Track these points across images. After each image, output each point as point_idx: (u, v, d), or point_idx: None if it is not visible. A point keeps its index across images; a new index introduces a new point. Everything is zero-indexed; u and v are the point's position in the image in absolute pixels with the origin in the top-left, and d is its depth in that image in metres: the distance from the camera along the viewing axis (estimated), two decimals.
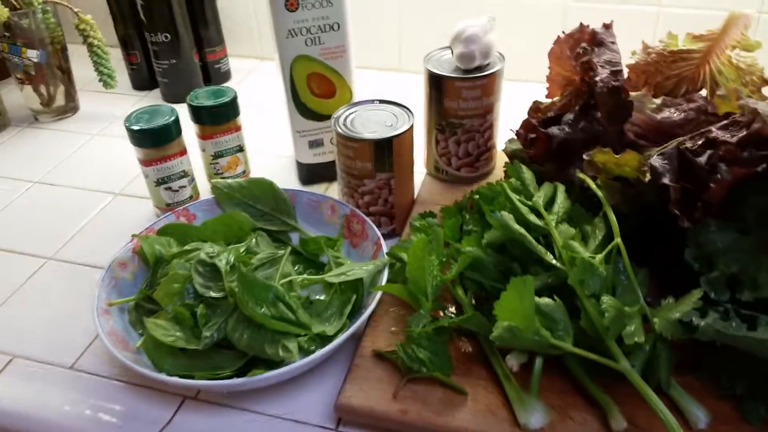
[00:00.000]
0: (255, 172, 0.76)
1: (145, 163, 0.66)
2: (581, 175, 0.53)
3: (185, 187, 0.69)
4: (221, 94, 0.68)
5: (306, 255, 0.61)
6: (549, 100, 0.64)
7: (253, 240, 0.59)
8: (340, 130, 0.60)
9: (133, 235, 0.58)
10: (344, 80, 0.68)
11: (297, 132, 0.71)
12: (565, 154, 0.56)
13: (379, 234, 0.58)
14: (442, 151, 0.67)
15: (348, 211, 0.62)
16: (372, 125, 0.61)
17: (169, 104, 0.67)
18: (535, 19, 0.91)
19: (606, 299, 0.44)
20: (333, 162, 0.72)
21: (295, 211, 0.64)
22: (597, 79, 0.54)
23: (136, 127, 0.63)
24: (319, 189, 0.75)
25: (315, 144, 0.72)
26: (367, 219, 0.60)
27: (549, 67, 0.63)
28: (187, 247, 0.56)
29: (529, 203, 0.52)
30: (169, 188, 0.68)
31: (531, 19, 0.91)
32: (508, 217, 0.50)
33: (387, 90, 0.94)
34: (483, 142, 0.66)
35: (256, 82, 1.02)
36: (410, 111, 0.62)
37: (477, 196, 0.58)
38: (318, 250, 0.61)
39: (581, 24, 0.59)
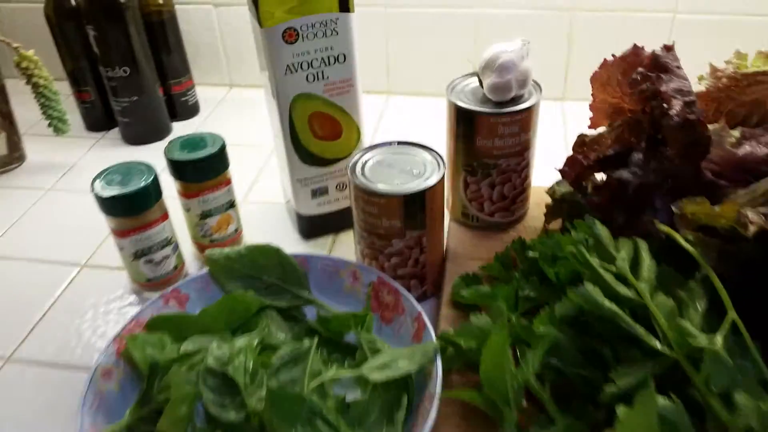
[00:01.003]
0: (245, 228, 0.65)
1: (120, 233, 0.54)
2: (665, 229, 0.45)
3: (169, 257, 0.57)
4: (205, 144, 0.57)
5: (326, 335, 0.50)
6: (592, 131, 0.56)
7: (265, 325, 0.48)
8: (360, 183, 0.50)
9: (117, 336, 0.46)
10: (351, 119, 0.58)
11: (298, 181, 0.60)
12: (637, 202, 0.47)
13: (419, 308, 0.48)
14: (472, 196, 0.58)
15: (375, 278, 0.52)
16: (396, 174, 0.51)
17: (144, 162, 0.56)
18: (540, 32, 0.83)
19: (742, 399, 0.35)
20: (339, 212, 0.63)
21: (308, 280, 0.54)
22: (672, 112, 0.45)
23: (106, 194, 0.51)
24: (324, 243, 0.65)
25: (319, 192, 0.61)
26: (402, 289, 0.50)
27: (593, 95, 0.55)
28: (187, 348, 0.45)
29: (612, 268, 0.43)
30: (150, 260, 0.56)
31: (534, 30, 0.83)
32: (595, 291, 0.41)
33: (381, 116, 0.84)
34: (520, 183, 0.57)
35: (228, 113, 0.91)
36: (438, 154, 0.53)
37: (531, 253, 0.49)
38: (343, 329, 0.50)
39: (635, 46, 0.50)
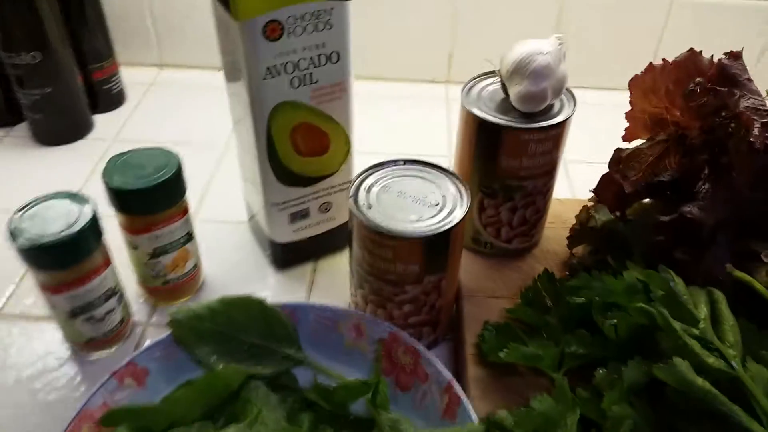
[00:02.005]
0: (203, 261, 0.53)
1: (52, 290, 0.41)
2: (742, 276, 0.38)
3: (113, 310, 0.45)
4: (154, 163, 0.44)
5: (328, 408, 0.41)
6: (628, 145, 0.48)
7: (254, 414, 0.38)
8: (367, 222, 0.40)
9: None
10: (342, 129, 0.47)
11: (274, 205, 0.49)
12: (700, 240, 0.40)
13: (448, 375, 0.39)
14: (488, 221, 0.49)
15: (386, 334, 0.42)
16: (410, 205, 0.41)
17: (76, 194, 0.42)
18: (526, 20, 0.74)
19: None
20: (321, 235, 0.52)
21: (298, 334, 0.44)
22: (750, 136, 0.38)
23: (26, 243, 0.38)
24: (303, 274, 0.54)
25: (299, 216, 0.50)
26: (423, 349, 0.41)
27: (631, 102, 0.47)
28: None
29: (694, 332, 0.35)
30: (91, 318, 0.43)
31: (520, 19, 0.74)
32: (687, 369, 0.33)
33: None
34: (543, 205, 0.49)
35: (161, 102, 0.76)
36: (456, 177, 0.43)
37: (575, 299, 0.41)
38: (349, 399, 0.41)
39: (692, 51, 0.42)
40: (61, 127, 0.67)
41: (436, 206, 0.41)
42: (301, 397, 0.41)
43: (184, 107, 0.75)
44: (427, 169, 0.44)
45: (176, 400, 0.38)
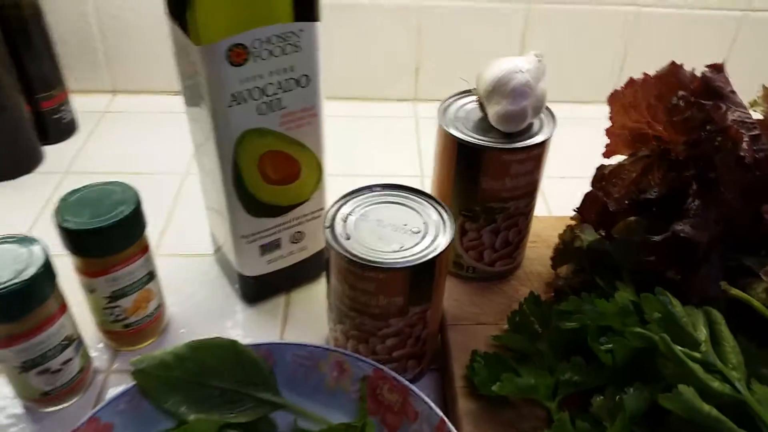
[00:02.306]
0: (167, 299, 0.49)
1: (1, 344, 0.37)
2: (739, 294, 0.36)
3: (71, 360, 0.41)
4: (110, 199, 0.41)
5: None
6: (609, 161, 0.47)
7: None
8: (346, 254, 0.37)
9: None
10: (313, 155, 0.45)
11: (243, 238, 0.46)
12: (693, 259, 0.39)
13: (440, 413, 0.37)
14: (470, 244, 0.47)
15: (370, 370, 0.40)
16: (389, 234, 0.39)
17: (23, 236, 0.39)
18: (492, 35, 0.73)
19: None
20: (292, 266, 0.49)
21: (275, 376, 0.41)
22: (740, 150, 0.37)
23: None
24: (275, 308, 0.51)
25: (269, 248, 0.47)
26: (411, 387, 0.38)
27: (611, 118, 0.45)
28: None
29: (696, 355, 0.34)
30: (46, 370, 0.40)
31: (485, 33, 0.73)
32: (691, 393, 0.31)
33: None
34: (525, 226, 0.47)
35: (115, 130, 0.72)
36: (436, 201, 0.41)
37: (567, 324, 0.39)
38: None
39: (673, 63, 0.41)
40: (7, 161, 0.62)
41: (417, 233, 0.39)
42: None
43: (140, 134, 0.71)
44: (405, 194, 0.42)
45: None
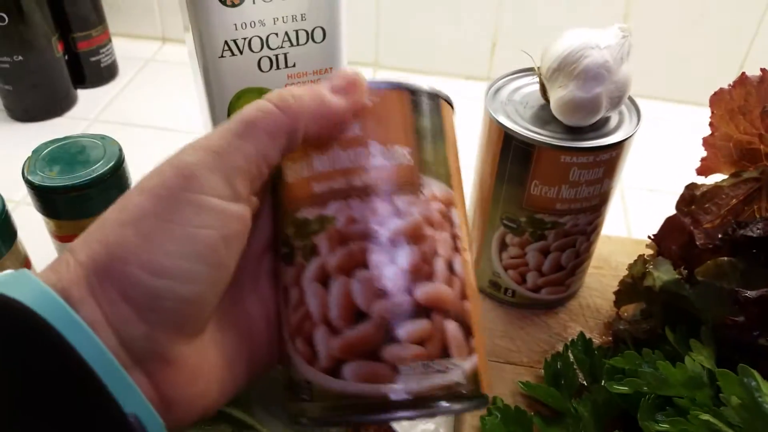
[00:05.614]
0: None
1: None
2: None
3: None
4: (90, 154, 0.35)
5: None
6: (704, 181, 0.36)
7: None
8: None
9: None
10: None
11: None
12: None
13: None
14: (510, 262, 0.38)
15: None
16: None
17: None
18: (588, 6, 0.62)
19: None
20: None
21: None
22: None
23: None
24: None
25: None
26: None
27: (711, 124, 0.35)
28: None
29: None
30: None
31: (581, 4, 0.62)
32: None
33: None
34: (585, 249, 0.37)
35: (158, 80, 0.67)
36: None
37: (616, 386, 0.30)
38: None
39: None
40: (36, 102, 0.58)
41: None
42: None
43: (182, 88, 0.66)
44: None
45: None
